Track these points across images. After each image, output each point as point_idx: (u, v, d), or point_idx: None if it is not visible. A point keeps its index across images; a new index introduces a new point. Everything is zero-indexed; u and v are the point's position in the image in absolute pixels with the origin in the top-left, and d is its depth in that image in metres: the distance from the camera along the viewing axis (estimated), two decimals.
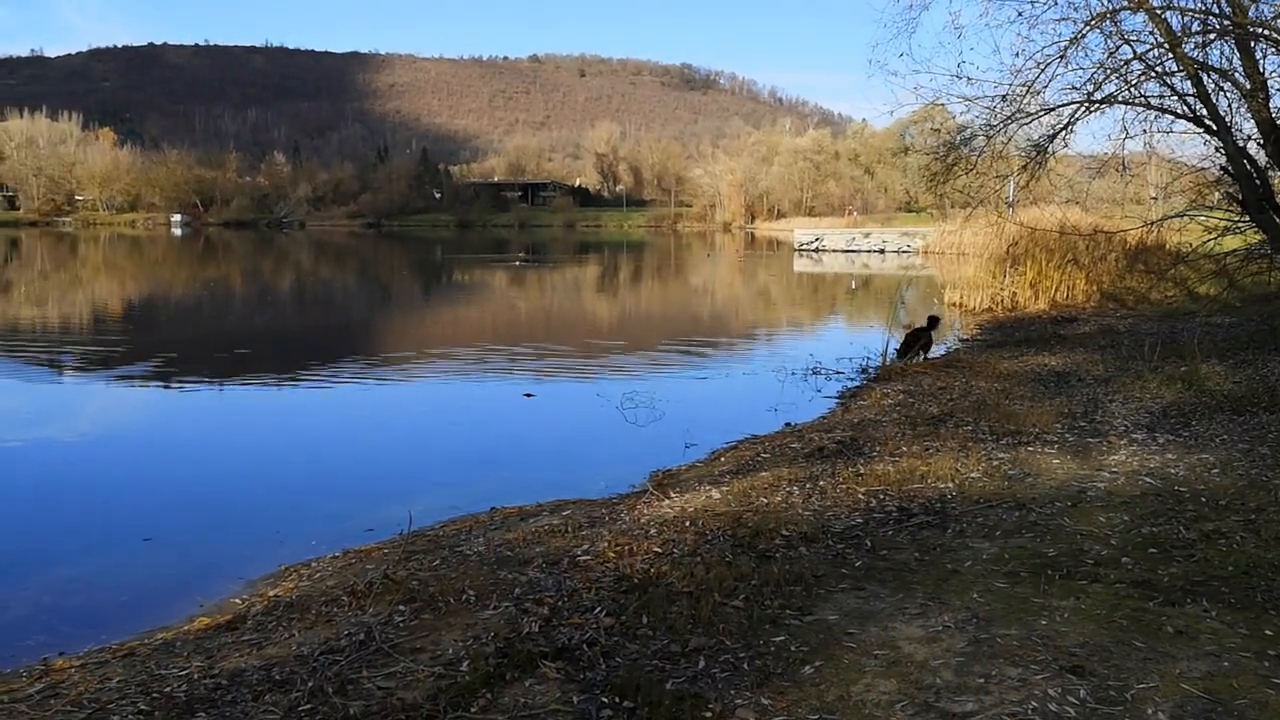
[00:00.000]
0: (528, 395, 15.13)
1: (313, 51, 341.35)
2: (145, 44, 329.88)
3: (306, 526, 8.66)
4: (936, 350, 17.39)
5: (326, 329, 27.81)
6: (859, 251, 61.34)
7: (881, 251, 60.28)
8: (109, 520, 9.21)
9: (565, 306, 34.61)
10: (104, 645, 5.85)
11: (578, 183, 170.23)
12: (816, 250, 63.75)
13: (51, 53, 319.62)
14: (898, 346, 16.47)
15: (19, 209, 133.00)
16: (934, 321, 17.21)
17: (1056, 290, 24.75)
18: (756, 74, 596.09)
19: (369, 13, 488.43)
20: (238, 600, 6.77)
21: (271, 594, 6.74)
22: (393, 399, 15.78)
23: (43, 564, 7.98)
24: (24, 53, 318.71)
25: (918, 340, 16.33)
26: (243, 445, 12.46)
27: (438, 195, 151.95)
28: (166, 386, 16.75)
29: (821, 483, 8.25)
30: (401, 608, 5.78)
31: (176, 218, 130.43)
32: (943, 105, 18.55)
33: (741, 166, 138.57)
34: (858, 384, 15.12)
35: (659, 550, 6.56)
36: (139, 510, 9.45)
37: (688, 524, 7.17)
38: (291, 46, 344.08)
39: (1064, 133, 16.45)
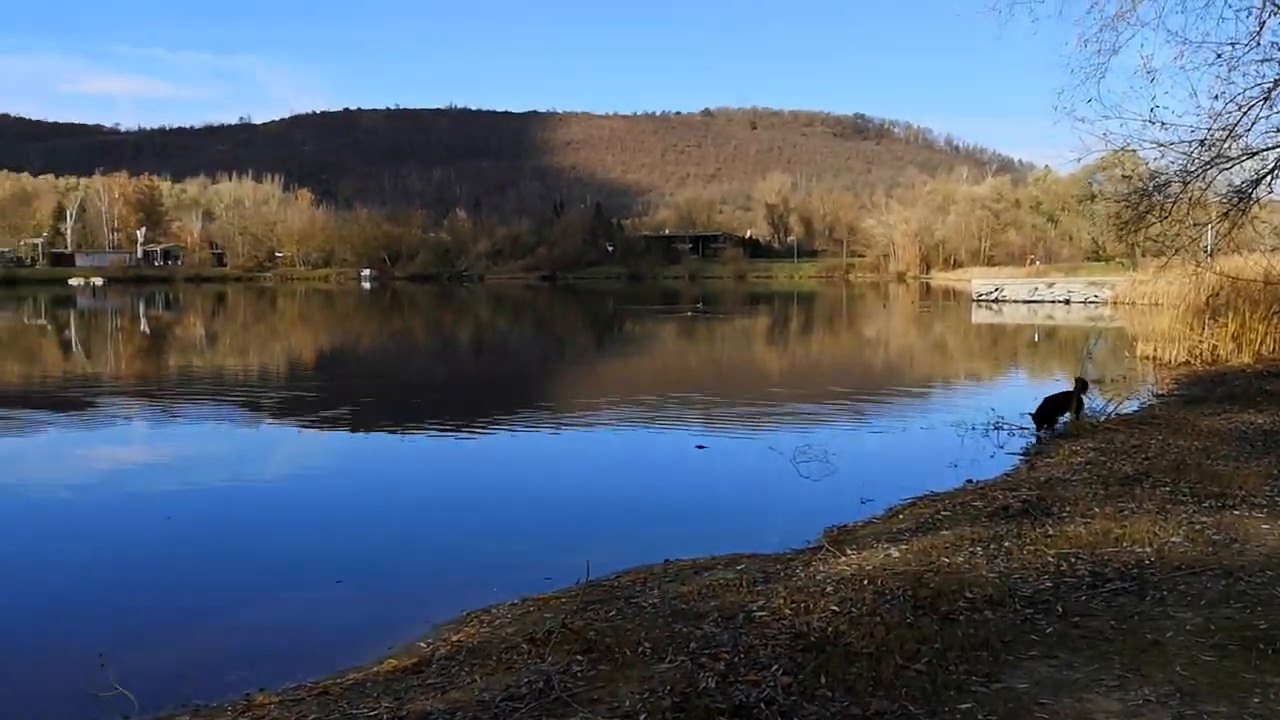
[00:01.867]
0: (700, 447, 15.14)
1: (494, 112, 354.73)
2: (341, 110, 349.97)
3: (486, 573, 8.85)
4: (1128, 406, 16.52)
5: (503, 379, 28.59)
6: (1042, 302, 59.27)
7: (1067, 302, 58.08)
8: (304, 561, 9.67)
9: (736, 357, 34.60)
10: (300, 683, 6.11)
11: (748, 234, 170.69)
12: (996, 300, 61.94)
13: (258, 120, 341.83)
14: (1033, 413, 14.93)
15: (226, 265, 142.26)
16: (1082, 385, 15.76)
17: (1262, 343, 23.21)
18: (932, 121, 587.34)
19: (548, 74, 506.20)
20: (423, 644, 6.96)
21: (454, 639, 6.91)
22: (568, 448, 16.04)
23: (245, 601, 8.45)
24: (233, 121, 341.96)
25: (1061, 406, 14.93)
26: (425, 491, 12.88)
27: (610, 248, 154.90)
28: (354, 432, 17.51)
29: (1007, 543, 7.93)
30: (579, 657, 5.82)
31: (366, 272, 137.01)
32: (1133, 151, 17.82)
33: (916, 216, 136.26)
34: (1043, 441, 14.49)
35: (836, 608, 6.42)
36: (330, 552, 9.89)
37: (866, 582, 6.99)
38: (474, 108, 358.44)
39: (1269, 177, 15.55)
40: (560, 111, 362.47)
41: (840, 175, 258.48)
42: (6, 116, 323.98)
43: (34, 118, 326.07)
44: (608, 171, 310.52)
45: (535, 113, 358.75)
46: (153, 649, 7.28)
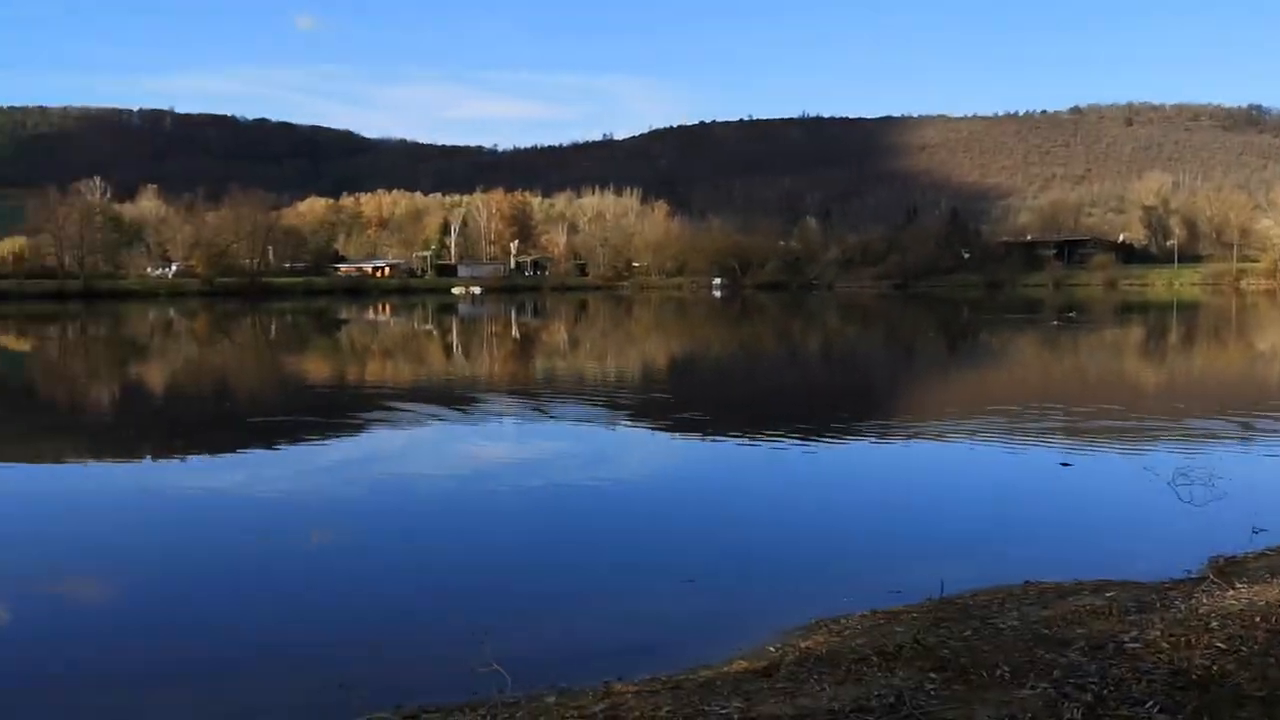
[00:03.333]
0: (1064, 464, 14.23)
1: (845, 119, 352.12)
2: (697, 123, 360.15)
3: (834, 582, 8.78)
4: None
5: (852, 387, 28.27)
6: None
7: None
8: (658, 558, 10.04)
9: (1107, 370, 32.22)
10: (655, 676, 6.31)
11: (1120, 238, 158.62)
12: None
13: (619, 136, 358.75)
14: None
15: (588, 275, 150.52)
16: None
17: None
18: None
19: (902, 78, 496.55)
20: (771, 648, 6.99)
21: (803, 645, 6.89)
22: (919, 459, 15.60)
23: (605, 592, 8.92)
24: (597, 138, 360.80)
25: None
26: (773, 497, 12.96)
27: (966, 255, 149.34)
28: (704, 436, 17.95)
29: None
30: (932, 675, 5.62)
31: (717, 281, 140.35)
32: None
33: None
34: None
35: (1222, 646, 5.82)
36: (682, 551, 10.19)
37: (1258, 619, 6.29)
38: (826, 116, 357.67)
39: None
40: (915, 115, 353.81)
41: (1230, 172, 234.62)
42: (403, 141, 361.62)
43: (424, 141, 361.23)
44: (964, 175, 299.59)
45: (888, 118, 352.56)
46: (525, 630, 7.81)
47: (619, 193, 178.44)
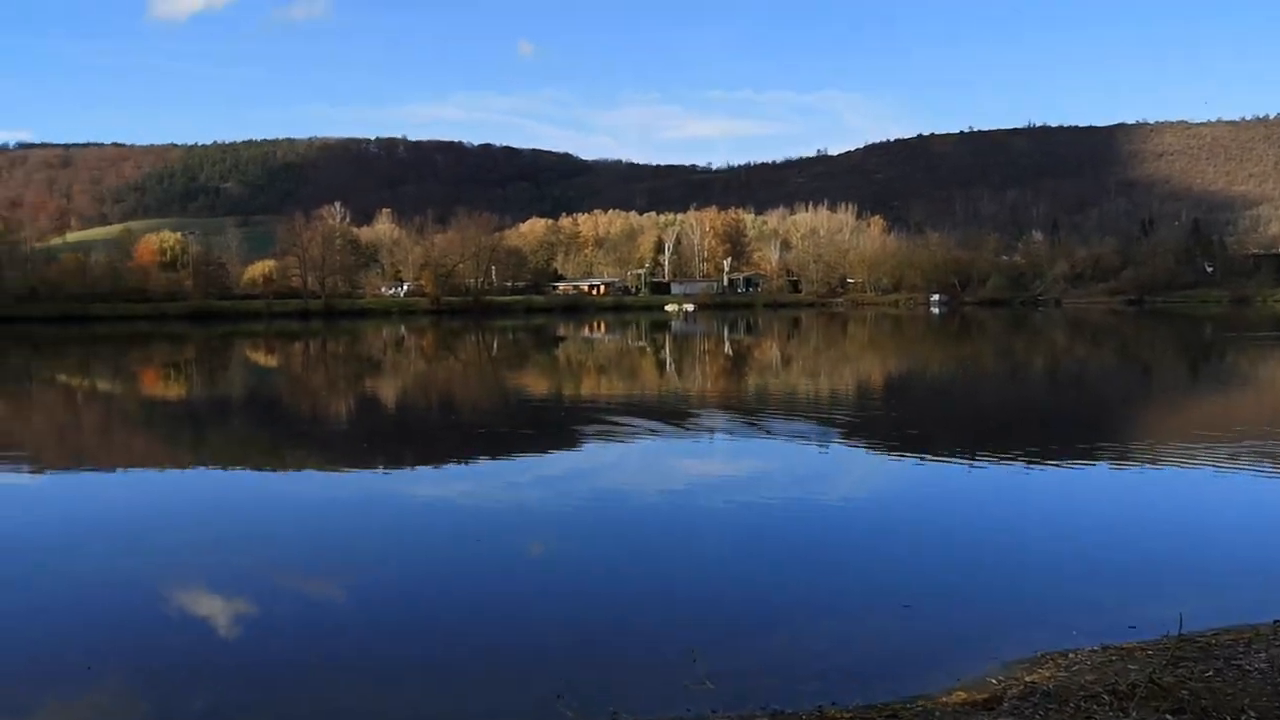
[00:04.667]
0: None
1: (1075, 128, 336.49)
2: (914, 136, 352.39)
3: (1062, 613, 8.36)
4: None
5: (1081, 409, 26.88)
6: None
7: None
8: (872, 581, 9.82)
9: None
10: (870, 704, 6.17)
11: None
12: None
13: (834, 151, 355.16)
14: None
15: (801, 291, 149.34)
16: None
17: None
18: None
19: (1136, 83, 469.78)
20: (993, 680, 6.72)
21: (1027, 679, 6.58)
22: (1158, 485, 14.66)
23: (817, 614, 8.79)
24: (811, 153, 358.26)
25: None
26: (993, 518, 12.46)
27: (1209, 269, 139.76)
28: (919, 457, 17.44)
29: None
30: (1168, 717, 5.26)
31: (935, 297, 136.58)
32: None
33: None
34: None
35: None
36: (896, 575, 9.92)
37: None
38: (1053, 125, 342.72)
39: None
40: (1151, 122, 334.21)
41: None
42: (619, 162, 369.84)
43: (640, 162, 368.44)
44: (1206, 184, 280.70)
45: (1122, 125, 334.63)
46: (736, 648, 7.80)
47: (833, 209, 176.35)
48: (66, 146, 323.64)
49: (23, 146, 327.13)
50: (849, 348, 54.77)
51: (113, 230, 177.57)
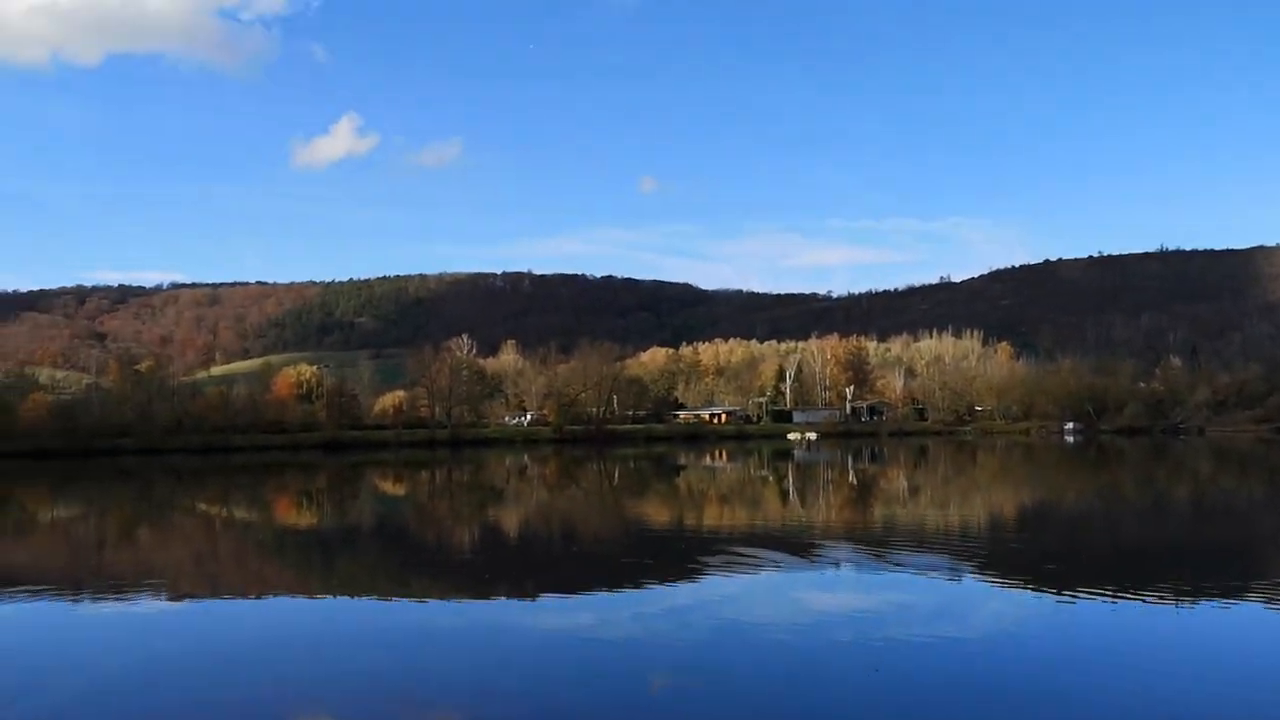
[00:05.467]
0: None
1: (1211, 251, 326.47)
2: (1040, 261, 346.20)
3: None
4: None
5: (1233, 543, 25.35)
6: None
7: None
8: None
9: None
10: None
11: None
12: None
13: (957, 278, 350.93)
14: None
15: (927, 419, 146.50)
16: None
17: None
18: None
19: (1275, 202, 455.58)
20: None
21: None
22: None
23: None
24: (934, 280, 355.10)
25: None
26: (1140, 663, 11.71)
27: None
28: (1060, 596, 16.59)
29: None
30: None
31: (1069, 425, 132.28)
32: None
33: None
34: None
35: None
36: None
37: None
38: (1188, 249, 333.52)
39: None
40: None
41: None
42: (739, 291, 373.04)
43: (760, 291, 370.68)
44: None
45: (1261, 247, 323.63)
46: None
47: (958, 335, 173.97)
48: (214, 286, 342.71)
49: (175, 287, 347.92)
50: (980, 477, 53.18)
51: (254, 364, 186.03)
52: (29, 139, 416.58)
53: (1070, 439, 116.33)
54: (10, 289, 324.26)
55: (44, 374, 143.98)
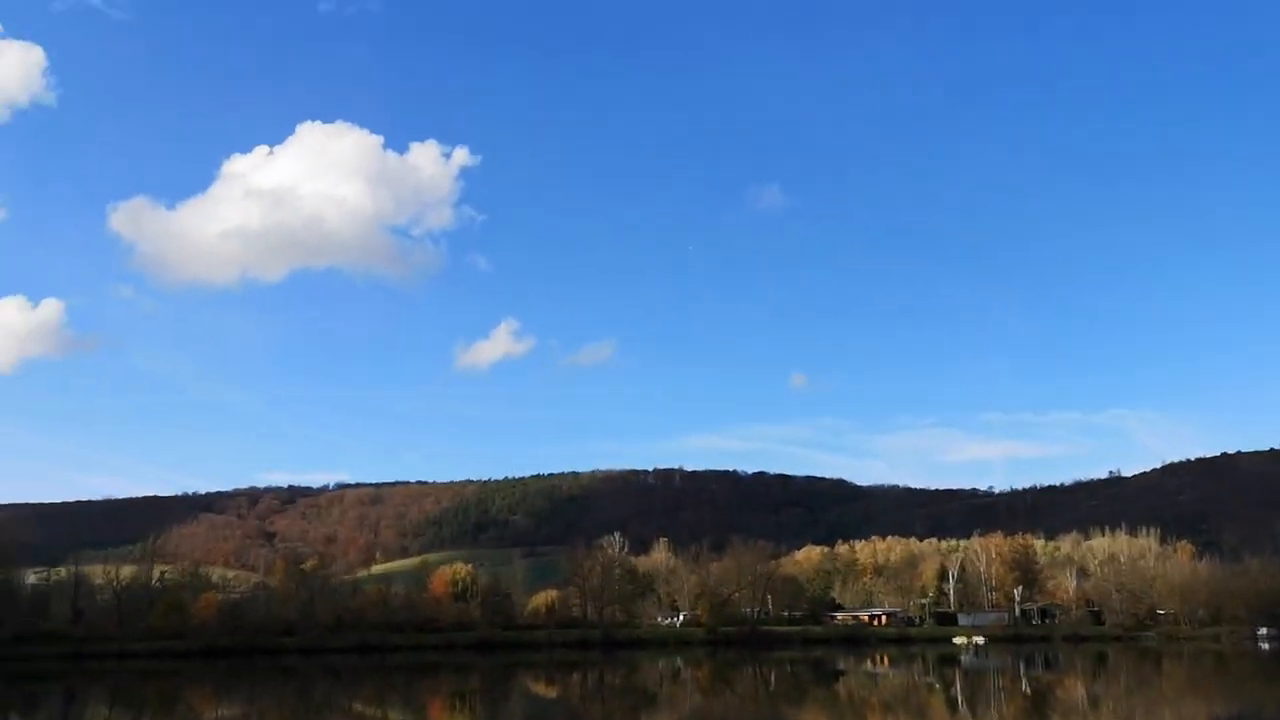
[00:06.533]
0: None
1: None
2: (1218, 454, 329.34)
3: None
4: None
5: None
6: None
7: None
8: None
9: None
10: None
11: None
12: None
13: (1127, 472, 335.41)
14: None
15: (1104, 623, 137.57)
16: None
17: None
18: None
19: None
20: None
21: None
22: None
23: None
24: (1102, 475, 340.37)
25: None
26: None
27: None
28: None
29: None
30: None
31: (1262, 630, 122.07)
32: None
33: None
34: None
35: None
36: None
37: None
38: None
39: None
40: None
41: None
42: (895, 487, 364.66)
43: (916, 486, 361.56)
44: None
45: None
46: None
47: (1133, 533, 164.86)
48: (377, 485, 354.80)
49: (341, 487, 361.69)
50: (1167, 688, 49.25)
51: (411, 563, 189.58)
52: (215, 350, 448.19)
53: (1266, 645, 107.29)
54: (190, 490, 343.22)
55: (216, 573, 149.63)
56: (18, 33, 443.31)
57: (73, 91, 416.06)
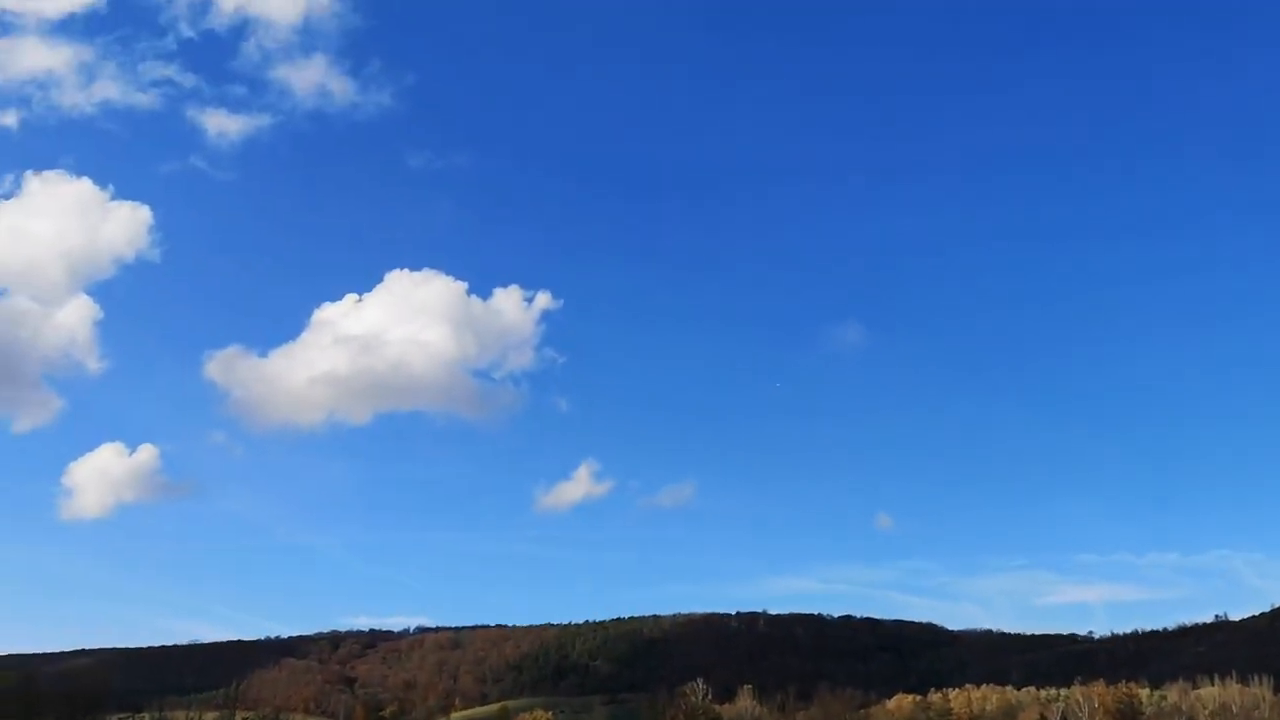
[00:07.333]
0: None
1: None
2: None
3: None
4: None
5: None
6: None
7: None
8: None
9: None
10: None
11: None
12: None
13: (1235, 616, 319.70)
14: None
15: None
16: None
17: None
18: None
19: None
20: None
21: None
22: None
23: None
24: (1208, 619, 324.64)
25: None
26: None
27: None
28: None
29: None
30: None
31: None
32: None
33: None
34: None
35: None
36: None
37: None
38: None
39: None
40: None
41: None
42: (989, 631, 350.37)
43: (1010, 631, 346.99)
44: None
45: None
46: None
47: (1244, 681, 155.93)
48: (457, 629, 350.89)
49: (421, 630, 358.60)
50: None
51: (491, 709, 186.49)
52: (301, 493, 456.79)
53: None
54: (273, 635, 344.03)
55: (297, 719, 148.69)
56: (127, 194, 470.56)
57: (175, 247, 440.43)
